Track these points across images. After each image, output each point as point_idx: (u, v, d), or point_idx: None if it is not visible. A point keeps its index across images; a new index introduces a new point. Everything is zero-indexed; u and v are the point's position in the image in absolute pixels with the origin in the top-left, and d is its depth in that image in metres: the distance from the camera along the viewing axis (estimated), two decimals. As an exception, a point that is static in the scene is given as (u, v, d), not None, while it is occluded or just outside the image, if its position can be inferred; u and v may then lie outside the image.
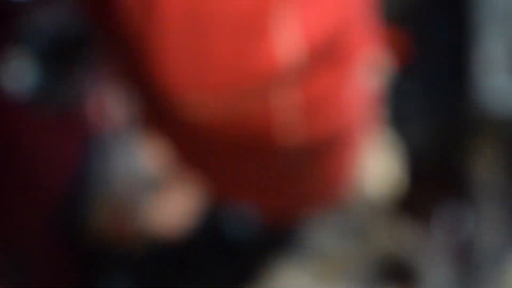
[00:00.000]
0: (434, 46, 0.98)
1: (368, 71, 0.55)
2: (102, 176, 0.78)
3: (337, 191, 0.66)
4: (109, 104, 1.16)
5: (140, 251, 0.85)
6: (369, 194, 0.97)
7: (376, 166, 1.01)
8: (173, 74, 0.46)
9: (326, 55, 0.49)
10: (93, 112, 0.93)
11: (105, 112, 1.14)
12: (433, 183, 1.08)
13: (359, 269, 0.97)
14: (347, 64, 0.51)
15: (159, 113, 0.50)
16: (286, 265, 0.88)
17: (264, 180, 0.57)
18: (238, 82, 0.47)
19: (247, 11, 0.45)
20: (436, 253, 0.97)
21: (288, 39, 0.47)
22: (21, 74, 1.02)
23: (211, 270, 0.87)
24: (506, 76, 0.88)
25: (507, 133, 0.93)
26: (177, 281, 0.86)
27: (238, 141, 0.50)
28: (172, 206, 0.91)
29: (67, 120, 0.75)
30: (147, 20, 0.46)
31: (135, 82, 0.51)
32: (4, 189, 0.69)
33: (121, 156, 0.77)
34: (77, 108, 0.98)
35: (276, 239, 0.89)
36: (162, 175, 0.77)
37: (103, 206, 0.78)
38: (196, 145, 0.51)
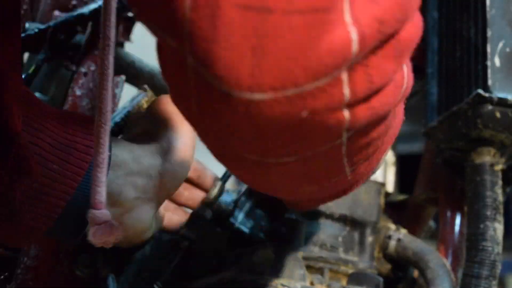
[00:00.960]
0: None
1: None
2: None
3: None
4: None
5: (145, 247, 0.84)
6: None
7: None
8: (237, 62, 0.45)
9: (385, 39, 0.48)
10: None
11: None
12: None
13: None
14: (405, 53, 0.51)
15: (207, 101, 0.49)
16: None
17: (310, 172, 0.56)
18: (311, 63, 0.45)
19: None
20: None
21: (357, 18, 0.46)
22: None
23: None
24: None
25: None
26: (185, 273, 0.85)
27: (300, 123, 0.48)
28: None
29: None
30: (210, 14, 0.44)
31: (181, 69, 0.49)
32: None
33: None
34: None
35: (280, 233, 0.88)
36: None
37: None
38: (251, 131, 0.50)
